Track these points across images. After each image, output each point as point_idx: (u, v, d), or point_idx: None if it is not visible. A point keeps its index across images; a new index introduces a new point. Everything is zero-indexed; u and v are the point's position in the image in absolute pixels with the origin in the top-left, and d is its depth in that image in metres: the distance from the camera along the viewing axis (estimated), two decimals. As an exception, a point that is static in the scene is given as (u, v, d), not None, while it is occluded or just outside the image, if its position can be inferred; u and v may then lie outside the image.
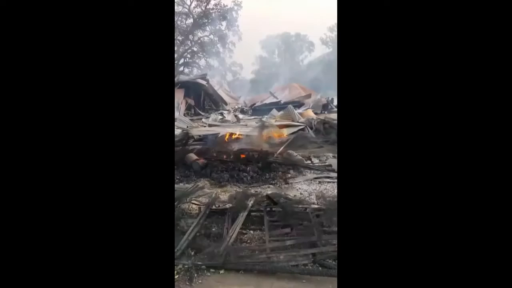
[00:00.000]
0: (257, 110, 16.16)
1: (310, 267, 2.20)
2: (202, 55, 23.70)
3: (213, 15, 22.48)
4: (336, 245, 2.18)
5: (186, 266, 2.16)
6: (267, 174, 4.65)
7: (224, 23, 23.38)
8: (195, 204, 3.45)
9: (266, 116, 12.38)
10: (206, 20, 22.55)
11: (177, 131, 8.46)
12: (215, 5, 22.26)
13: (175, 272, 2.13)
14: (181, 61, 23.21)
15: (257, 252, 2.41)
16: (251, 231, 2.78)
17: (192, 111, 15.38)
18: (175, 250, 2.34)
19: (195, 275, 2.10)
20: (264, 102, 17.50)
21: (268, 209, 3.09)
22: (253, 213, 3.06)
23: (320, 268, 2.18)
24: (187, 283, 2.05)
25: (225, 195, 3.88)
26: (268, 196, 3.34)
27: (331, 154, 5.95)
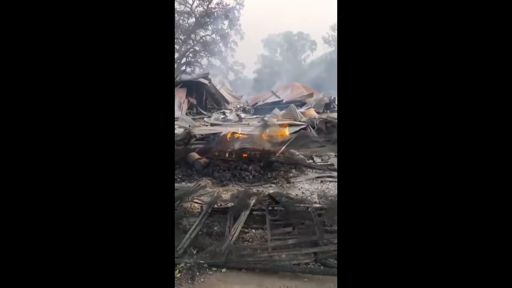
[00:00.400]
0: (259, 109, 16.16)
1: (312, 266, 2.20)
2: (204, 54, 23.69)
3: (215, 14, 22.45)
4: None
5: (188, 264, 2.17)
6: (269, 173, 4.65)
7: (226, 22, 23.34)
8: (197, 203, 3.46)
9: (268, 115, 12.37)
10: (208, 19, 22.53)
11: (179, 130, 8.48)
12: (217, 4, 22.22)
13: (177, 270, 2.14)
14: (183, 60, 23.21)
15: (259, 251, 2.42)
16: (253, 230, 2.79)
17: (194, 110, 15.41)
18: (177, 248, 2.35)
19: (197, 273, 2.11)
20: (266, 101, 17.50)
21: (270, 208, 3.09)
22: (255, 212, 3.07)
23: (321, 267, 2.18)
24: (189, 281, 2.06)
25: (227, 194, 3.89)
26: (270, 195, 3.35)
27: (333, 154, 5.93)
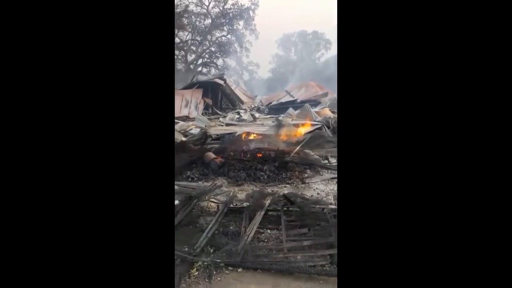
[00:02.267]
0: (273, 109, 16.12)
1: (328, 268, 2.19)
2: (219, 55, 23.94)
3: (231, 14, 22.64)
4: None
5: (205, 263, 2.22)
6: (283, 174, 4.65)
7: (241, 22, 23.50)
8: (214, 202, 3.52)
9: (282, 115, 12.33)
10: (224, 20, 22.75)
11: (196, 131, 8.62)
12: (233, 4, 22.42)
13: (195, 269, 2.20)
14: (200, 61, 23.55)
15: (274, 251, 2.43)
16: (268, 231, 2.81)
17: (210, 111, 15.59)
18: (195, 247, 2.41)
19: (214, 272, 2.16)
20: (280, 100, 17.43)
21: (285, 208, 3.10)
22: (270, 213, 3.08)
23: (337, 269, 2.17)
24: (206, 280, 2.10)
25: (242, 193, 3.93)
26: (285, 196, 3.35)
27: (349, 154, 5.83)
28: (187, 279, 2.11)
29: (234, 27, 23.35)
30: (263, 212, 2.98)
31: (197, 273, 2.16)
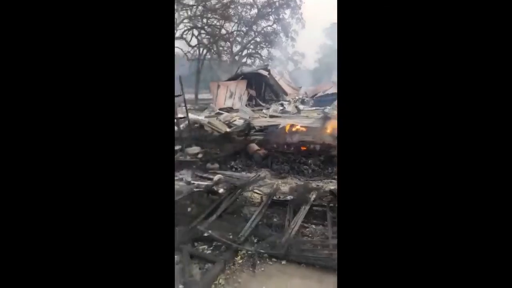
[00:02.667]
0: (319, 101, 15.63)
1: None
2: (264, 46, 23.84)
3: (277, 3, 22.28)
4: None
5: (249, 252, 2.26)
6: (329, 168, 4.51)
7: (287, 11, 23.00)
8: (257, 193, 3.55)
9: (328, 107, 11.90)
10: (269, 10, 22.50)
11: (240, 122, 8.78)
12: (279, -8, 22.00)
13: (239, 257, 2.25)
14: (245, 52, 23.78)
15: (319, 247, 2.38)
16: (313, 226, 2.75)
17: (253, 102, 15.72)
18: (239, 235, 2.47)
19: (258, 262, 2.18)
20: (327, 92, 16.80)
21: (331, 205, 3.00)
22: (315, 208, 3.01)
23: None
24: (250, 268, 2.14)
25: (285, 186, 3.90)
26: (332, 192, 3.25)
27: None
28: (232, 266, 2.17)
29: (280, 17, 22.95)
30: (308, 207, 2.92)
31: (241, 261, 2.21)
